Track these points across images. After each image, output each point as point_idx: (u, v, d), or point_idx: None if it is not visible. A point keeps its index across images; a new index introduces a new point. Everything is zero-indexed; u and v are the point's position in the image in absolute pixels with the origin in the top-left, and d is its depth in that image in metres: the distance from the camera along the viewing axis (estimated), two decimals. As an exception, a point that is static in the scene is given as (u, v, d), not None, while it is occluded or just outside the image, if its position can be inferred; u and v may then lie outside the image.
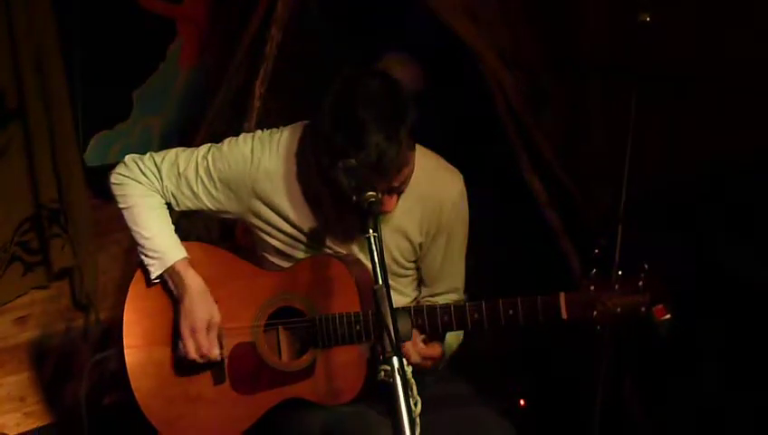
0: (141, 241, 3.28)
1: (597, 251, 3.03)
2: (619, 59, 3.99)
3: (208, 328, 3.21)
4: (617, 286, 2.94)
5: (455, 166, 3.33)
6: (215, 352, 3.21)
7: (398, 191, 3.07)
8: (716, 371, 4.06)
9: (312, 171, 3.20)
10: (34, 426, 4.51)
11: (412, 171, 3.07)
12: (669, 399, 4.16)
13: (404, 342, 2.90)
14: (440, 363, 3.23)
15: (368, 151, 2.90)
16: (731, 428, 4.01)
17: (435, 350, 3.16)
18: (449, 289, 3.39)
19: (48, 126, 4.27)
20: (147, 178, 3.29)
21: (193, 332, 3.20)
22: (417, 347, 3.09)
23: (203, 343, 3.20)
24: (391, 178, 2.99)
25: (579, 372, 4.06)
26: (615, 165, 3.80)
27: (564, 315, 2.97)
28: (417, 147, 3.10)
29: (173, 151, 3.33)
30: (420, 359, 3.10)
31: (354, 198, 2.88)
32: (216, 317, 3.22)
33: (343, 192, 2.98)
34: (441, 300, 3.34)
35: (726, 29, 4.03)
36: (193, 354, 3.21)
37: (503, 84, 4.28)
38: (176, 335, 3.27)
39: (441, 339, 3.20)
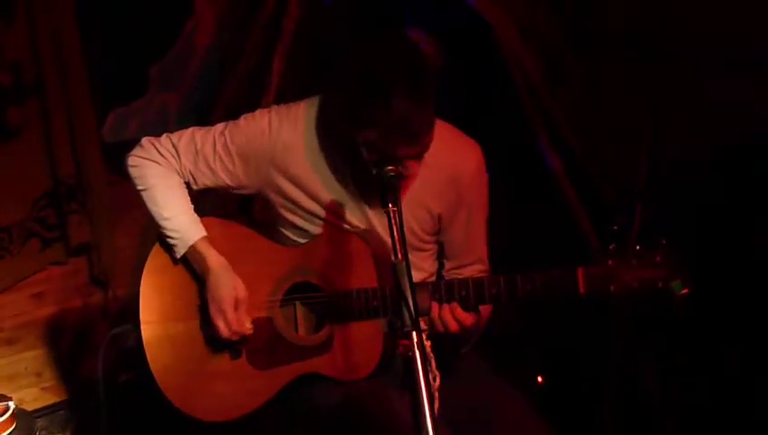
0: (161, 222, 3.27)
1: (615, 227, 3.01)
2: (638, 33, 3.97)
3: (236, 304, 3.20)
4: (634, 261, 2.94)
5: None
6: (246, 327, 3.20)
7: (420, 156, 3.03)
8: (737, 354, 4.05)
9: (331, 143, 3.19)
10: (51, 401, 4.52)
11: (433, 136, 3.03)
12: (687, 380, 4.15)
13: (423, 316, 2.90)
14: (476, 332, 3.22)
15: (394, 113, 2.88)
16: (749, 411, 4.00)
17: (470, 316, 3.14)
18: (475, 260, 3.38)
19: (66, 102, 4.28)
20: (164, 157, 3.28)
21: (221, 310, 3.19)
22: (455, 312, 3.09)
23: (232, 321, 3.19)
24: (418, 141, 2.95)
25: (596, 349, 4.05)
26: (634, 140, 3.78)
27: (582, 290, 2.97)
28: (435, 118, 3.09)
29: (189, 130, 3.32)
30: (455, 322, 3.09)
31: (374, 171, 2.88)
32: (242, 292, 3.20)
33: (364, 165, 2.98)
34: (468, 271, 3.34)
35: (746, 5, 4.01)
36: (225, 333, 3.20)
37: (521, 60, 4.26)
38: (200, 310, 3.27)
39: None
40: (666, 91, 3.78)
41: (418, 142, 2.96)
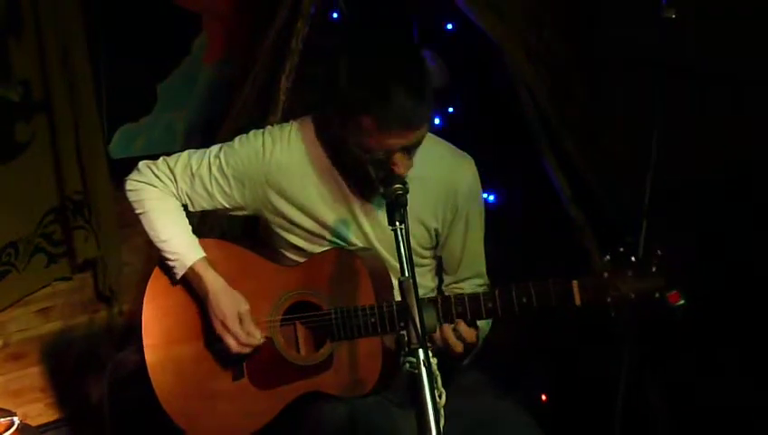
0: (159, 244, 3.31)
1: (622, 249, 3.00)
2: (644, 54, 3.98)
3: (240, 318, 3.22)
4: (630, 272, 2.92)
5: (479, 162, 3.34)
6: (255, 338, 3.22)
7: (411, 151, 3.04)
8: (739, 366, 4.05)
9: (326, 161, 3.22)
10: (56, 417, 4.52)
11: (426, 132, 3.05)
12: (692, 394, 4.14)
13: (429, 334, 2.90)
14: (476, 348, 3.22)
15: (391, 103, 2.90)
16: (753, 422, 4.00)
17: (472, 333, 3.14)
18: (474, 274, 3.40)
19: (73, 118, 4.28)
20: (161, 181, 3.32)
21: (226, 327, 3.22)
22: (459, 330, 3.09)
23: (240, 334, 3.21)
24: (411, 130, 2.96)
25: (601, 367, 4.04)
26: (639, 161, 3.79)
27: (577, 301, 2.95)
28: (429, 135, 3.10)
29: (185, 153, 3.36)
30: (456, 339, 3.10)
31: (381, 190, 2.89)
32: (244, 306, 3.23)
33: (360, 182, 2.99)
34: (467, 286, 3.35)
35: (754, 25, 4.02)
36: (236, 347, 3.22)
37: (527, 79, 4.27)
38: (203, 330, 3.30)
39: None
40: (672, 107, 3.79)
41: (412, 132, 2.97)
